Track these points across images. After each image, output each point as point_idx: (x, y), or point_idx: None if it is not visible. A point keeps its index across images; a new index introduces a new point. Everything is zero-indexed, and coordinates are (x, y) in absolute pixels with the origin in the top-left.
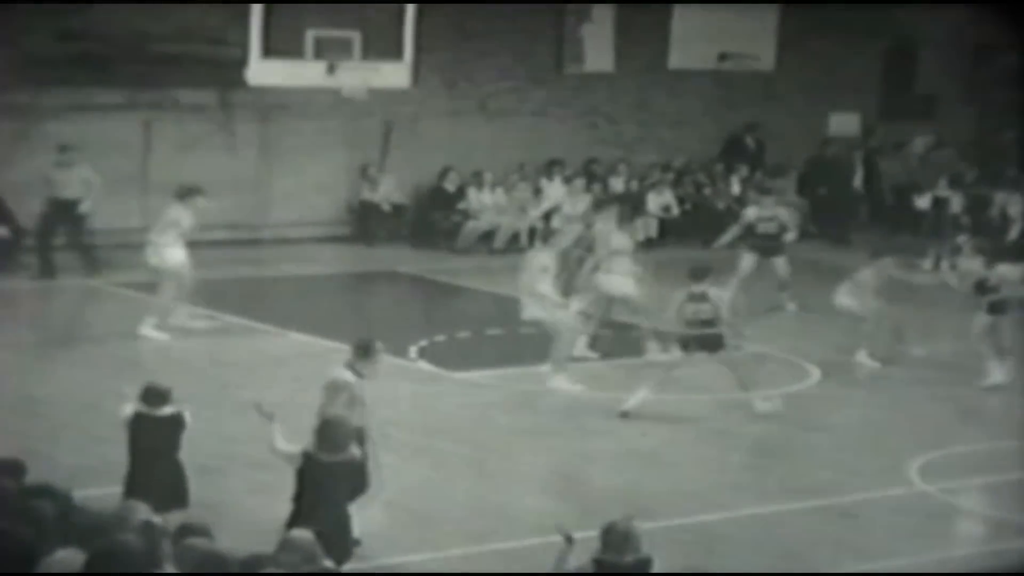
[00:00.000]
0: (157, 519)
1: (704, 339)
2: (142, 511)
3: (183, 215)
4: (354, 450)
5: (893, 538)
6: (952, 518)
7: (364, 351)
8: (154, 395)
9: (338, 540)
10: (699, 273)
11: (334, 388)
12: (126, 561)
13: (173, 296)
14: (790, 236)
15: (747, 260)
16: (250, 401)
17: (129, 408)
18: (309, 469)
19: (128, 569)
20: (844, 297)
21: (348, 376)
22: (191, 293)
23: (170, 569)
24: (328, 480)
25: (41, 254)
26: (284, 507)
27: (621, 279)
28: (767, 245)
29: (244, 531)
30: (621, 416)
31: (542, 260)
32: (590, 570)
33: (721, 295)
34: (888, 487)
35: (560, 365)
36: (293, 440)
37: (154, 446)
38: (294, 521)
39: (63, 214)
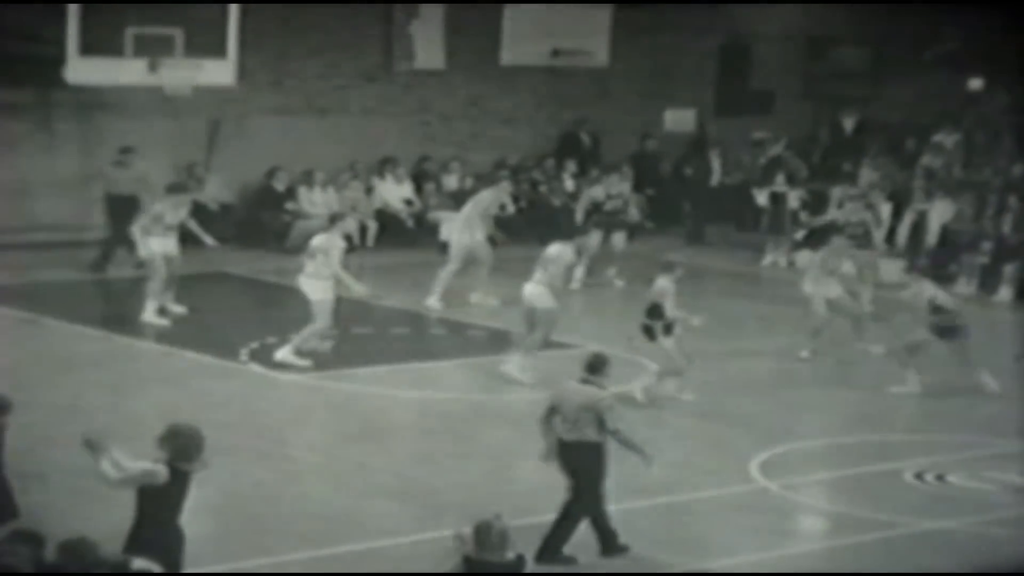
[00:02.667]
0: None
1: None
2: None
3: (167, 210)
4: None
5: (733, 535)
6: (793, 514)
7: (600, 364)
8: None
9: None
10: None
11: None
12: None
13: (161, 283)
14: (633, 214)
15: (593, 237)
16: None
17: None
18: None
19: None
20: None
21: (594, 391)
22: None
23: None
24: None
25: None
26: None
27: None
28: (612, 221)
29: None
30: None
31: (568, 257)
32: (463, 570)
33: None
34: (729, 485)
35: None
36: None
37: None
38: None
39: (119, 210)
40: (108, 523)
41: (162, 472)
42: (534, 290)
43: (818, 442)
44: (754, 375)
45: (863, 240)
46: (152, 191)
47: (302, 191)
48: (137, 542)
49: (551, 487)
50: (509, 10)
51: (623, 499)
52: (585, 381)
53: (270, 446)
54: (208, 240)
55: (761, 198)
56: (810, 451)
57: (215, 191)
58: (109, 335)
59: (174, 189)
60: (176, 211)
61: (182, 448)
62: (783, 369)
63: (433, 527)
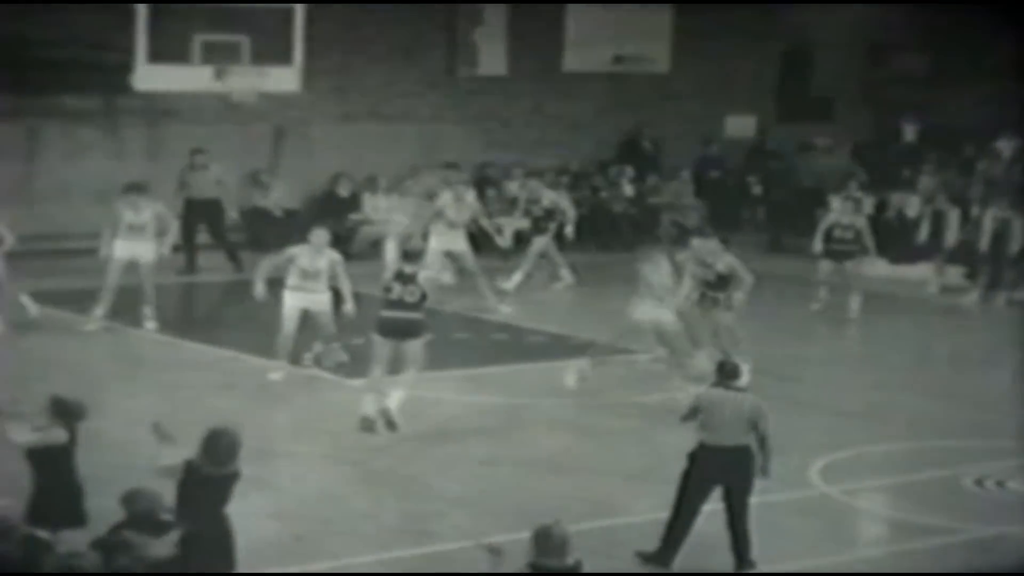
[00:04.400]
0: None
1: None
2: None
3: (124, 209)
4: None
5: (793, 540)
6: (853, 520)
7: (733, 372)
8: (65, 408)
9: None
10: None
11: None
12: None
13: (110, 290)
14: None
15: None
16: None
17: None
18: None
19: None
20: None
21: (735, 394)
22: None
23: None
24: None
25: (189, 252)
26: None
27: None
28: (540, 226)
29: None
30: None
31: (663, 265)
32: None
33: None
34: (789, 490)
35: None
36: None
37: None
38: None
39: (201, 214)
40: None
41: (182, 468)
42: (649, 312)
43: (878, 448)
44: (816, 379)
45: (853, 244)
46: (228, 194)
47: (366, 197)
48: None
49: (611, 492)
50: (571, 16)
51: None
52: (727, 387)
53: (335, 450)
54: (165, 249)
55: (836, 204)
56: (870, 457)
57: (280, 197)
58: (180, 341)
59: (129, 189)
60: (136, 212)
61: (212, 451)
62: (845, 374)
63: (496, 531)
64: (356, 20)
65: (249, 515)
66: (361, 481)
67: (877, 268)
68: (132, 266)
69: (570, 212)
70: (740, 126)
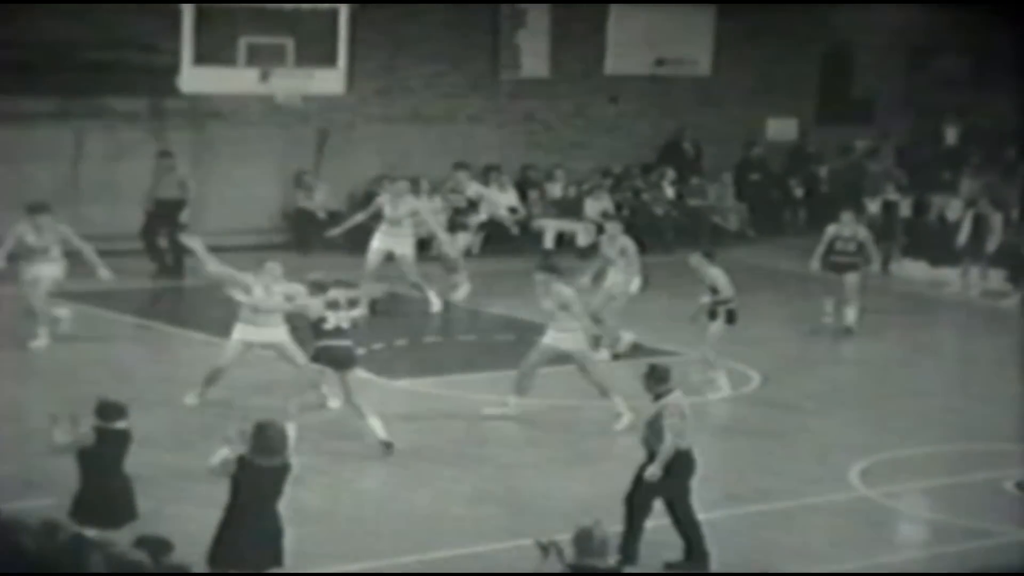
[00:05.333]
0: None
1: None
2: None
3: (27, 231)
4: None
5: (833, 543)
6: (893, 522)
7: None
8: (112, 409)
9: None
10: None
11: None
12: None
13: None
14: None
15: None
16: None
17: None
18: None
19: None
20: None
21: None
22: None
23: None
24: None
25: (151, 254)
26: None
27: None
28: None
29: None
30: None
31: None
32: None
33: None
34: (829, 492)
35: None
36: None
37: (108, 460)
38: (225, 527)
39: (164, 214)
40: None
41: (231, 464)
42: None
43: (918, 450)
44: (856, 382)
45: (855, 256)
46: (192, 198)
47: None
48: (231, 529)
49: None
50: (613, 19)
51: (723, 506)
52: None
53: (378, 451)
54: (102, 272)
55: (873, 207)
56: (910, 459)
57: (324, 199)
58: (224, 341)
59: (33, 209)
60: (40, 233)
61: (263, 444)
62: (885, 376)
63: (537, 533)
64: (400, 23)
65: (291, 513)
66: (404, 481)
67: (917, 270)
68: (33, 284)
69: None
70: (781, 129)
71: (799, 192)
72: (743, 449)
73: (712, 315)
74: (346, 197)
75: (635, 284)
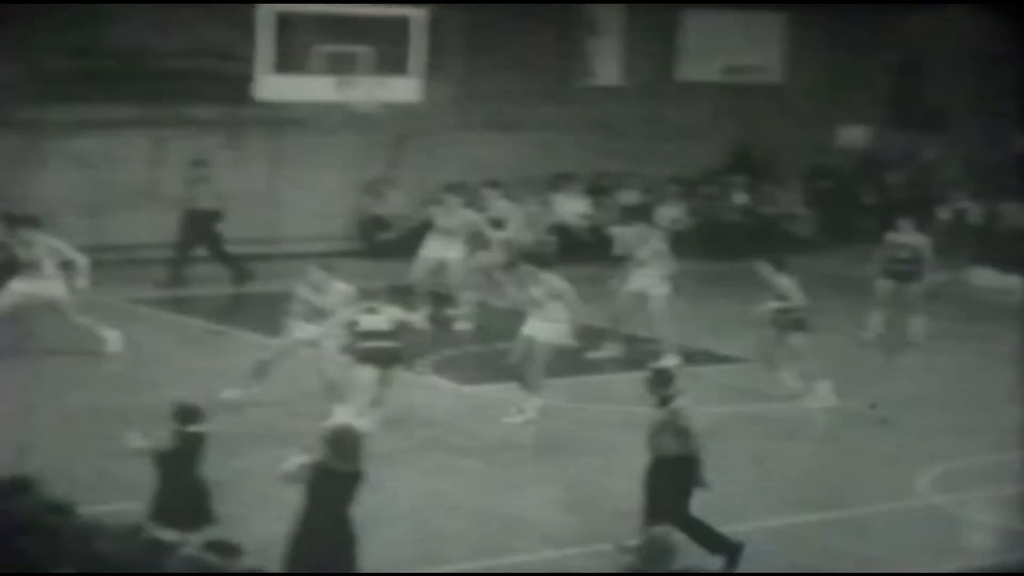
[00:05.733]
0: (171, 535)
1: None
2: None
3: (16, 245)
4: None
5: (903, 550)
6: (963, 530)
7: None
8: (189, 413)
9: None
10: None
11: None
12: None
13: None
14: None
15: None
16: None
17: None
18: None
19: None
20: None
21: None
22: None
23: None
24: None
25: (176, 265)
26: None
27: None
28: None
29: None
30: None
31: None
32: None
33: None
34: (899, 499)
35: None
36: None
37: (184, 464)
38: (300, 533)
39: (200, 226)
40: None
41: (307, 469)
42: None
43: (989, 458)
44: (926, 390)
45: (913, 264)
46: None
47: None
48: (306, 536)
49: (718, 500)
50: (685, 27)
51: (794, 513)
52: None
53: (447, 456)
54: (82, 280)
55: (944, 214)
56: (981, 467)
57: (398, 206)
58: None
59: (18, 222)
60: (28, 248)
61: (341, 450)
62: (956, 384)
63: (606, 538)
64: (475, 31)
65: (361, 518)
66: (473, 487)
67: (987, 278)
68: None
69: None
70: (852, 136)
71: (869, 199)
72: (814, 456)
73: (786, 325)
74: (420, 204)
75: (666, 287)
